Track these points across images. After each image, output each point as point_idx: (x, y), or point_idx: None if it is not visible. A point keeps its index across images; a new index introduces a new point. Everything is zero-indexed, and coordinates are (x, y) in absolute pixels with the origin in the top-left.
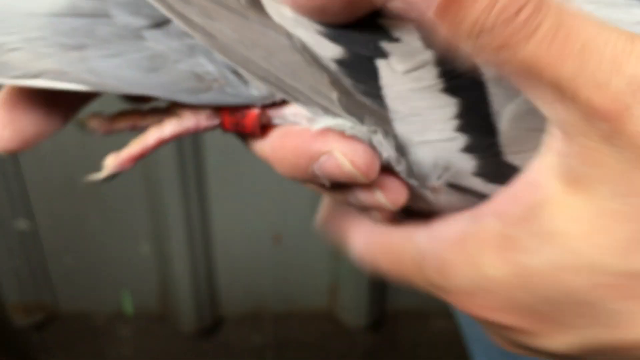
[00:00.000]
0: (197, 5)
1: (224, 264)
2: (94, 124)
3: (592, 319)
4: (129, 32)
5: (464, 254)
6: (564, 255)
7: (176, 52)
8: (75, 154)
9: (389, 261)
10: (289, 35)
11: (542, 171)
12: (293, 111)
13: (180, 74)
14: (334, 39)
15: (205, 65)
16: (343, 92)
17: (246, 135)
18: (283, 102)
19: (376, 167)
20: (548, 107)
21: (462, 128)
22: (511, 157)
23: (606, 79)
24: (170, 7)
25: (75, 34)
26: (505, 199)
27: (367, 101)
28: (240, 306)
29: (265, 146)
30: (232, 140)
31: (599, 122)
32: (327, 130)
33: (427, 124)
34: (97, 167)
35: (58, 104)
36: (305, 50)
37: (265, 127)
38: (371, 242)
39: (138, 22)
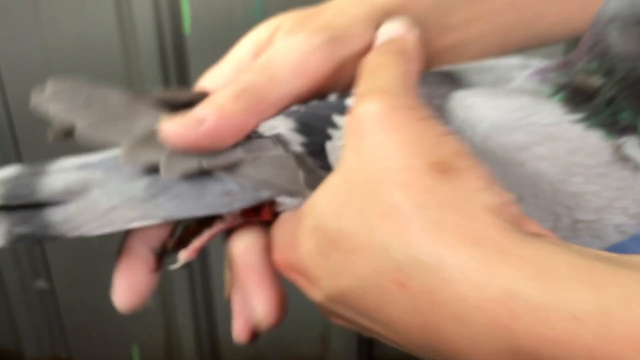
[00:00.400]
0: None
1: (224, 317)
2: (172, 244)
3: (325, 271)
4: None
5: (285, 217)
6: (312, 217)
7: (211, 181)
8: None
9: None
10: (279, 138)
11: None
12: (287, 203)
13: (216, 196)
14: (301, 132)
15: (230, 185)
16: (306, 169)
17: (264, 221)
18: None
19: None
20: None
21: None
22: None
23: (370, 82)
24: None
25: (149, 189)
26: None
27: (322, 172)
28: (240, 356)
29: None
30: None
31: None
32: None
33: None
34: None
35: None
36: (280, 141)
37: (275, 215)
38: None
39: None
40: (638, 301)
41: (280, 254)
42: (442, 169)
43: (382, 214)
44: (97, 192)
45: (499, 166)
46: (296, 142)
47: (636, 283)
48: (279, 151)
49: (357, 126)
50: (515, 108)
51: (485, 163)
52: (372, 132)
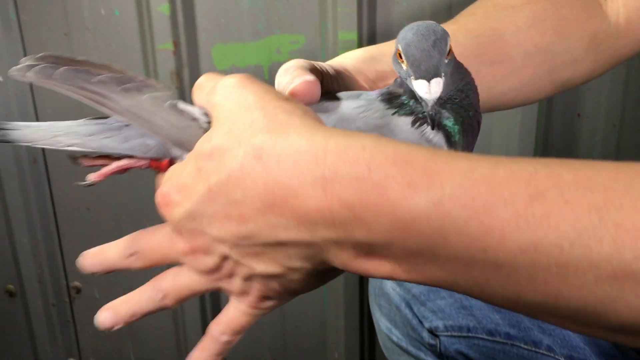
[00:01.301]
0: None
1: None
2: (83, 160)
3: (198, 178)
4: (114, 127)
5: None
6: (191, 154)
7: (134, 133)
8: None
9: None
10: (191, 116)
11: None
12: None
13: (138, 144)
14: (205, 115)
15: (150, 140)
16: None
17: (161, 171)
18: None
19: None
20: None
21: None
22: None
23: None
24: (140, 123)
25: (90, 131)
26: None
27: None
28: None
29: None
30: None
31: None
32: None
33: None
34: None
35: None
36: (194, 119)
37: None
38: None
39: (118, 123)
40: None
41: (162, 190)
42: (285, 98)
43: (248, 124)
44: (47, 126)
45: None
46: (204, 121)
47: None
48: (194, 123)
49: (221, 95)
50: (356, 107)
51: None
52: (234, 90)
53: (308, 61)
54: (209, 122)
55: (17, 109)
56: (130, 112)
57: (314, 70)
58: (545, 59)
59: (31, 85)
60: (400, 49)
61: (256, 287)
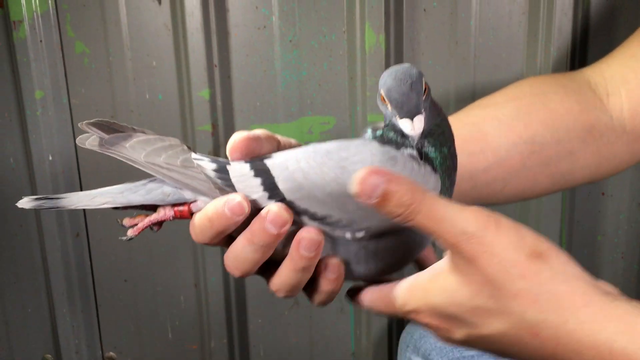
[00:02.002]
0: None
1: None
2: (125, 221)
3: (467, 326)
4: (140, 184)
5: (416, 291)
6: (448, 297)
7: (156, 185)
8: None
9: (381, 305)
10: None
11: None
12: (199, 203)
13: (158, 194)
14: (212, 162)
15: (167, 189)
16: (218, 188)
17: (185, 218)
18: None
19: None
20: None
21: (264, 189)
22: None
23: (456, 230)
24: (163, 175)
25: (120, 190)
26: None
27: (228, 189)
28: None
29: (194, 220)
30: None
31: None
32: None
33: (249, 190)
34: None
35: None
36: (203, 172)
37: (192, 214)
38: (372, 297)
39: (144, 180)
40: None
41: (429, 320)
42: (537, 255)
43: (513, 295)
44: (89, 192)
45: (335, 169)
46: (210, 168)
47: None
48: (201, 175)
49: (487, 245)
50: (339, 144)
51: (327, 167)
52: (477, 247)
53: (268, 131)
54: (216, 173)
55: (64, 184)
56: (153, 170)
57: (268, 138)
58: (533, 149)
59: (78, 163)
60: (382, 93)
61: None
